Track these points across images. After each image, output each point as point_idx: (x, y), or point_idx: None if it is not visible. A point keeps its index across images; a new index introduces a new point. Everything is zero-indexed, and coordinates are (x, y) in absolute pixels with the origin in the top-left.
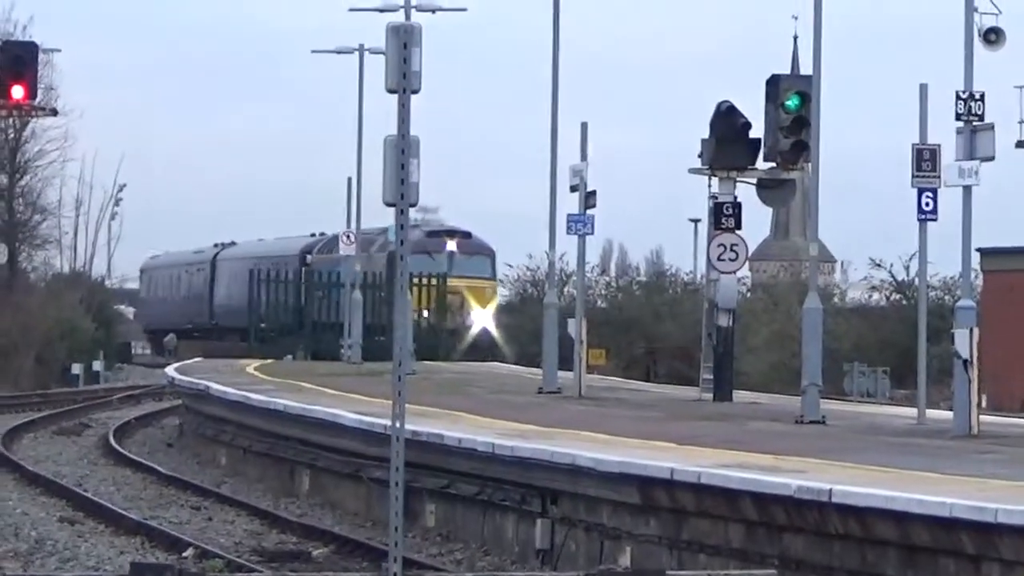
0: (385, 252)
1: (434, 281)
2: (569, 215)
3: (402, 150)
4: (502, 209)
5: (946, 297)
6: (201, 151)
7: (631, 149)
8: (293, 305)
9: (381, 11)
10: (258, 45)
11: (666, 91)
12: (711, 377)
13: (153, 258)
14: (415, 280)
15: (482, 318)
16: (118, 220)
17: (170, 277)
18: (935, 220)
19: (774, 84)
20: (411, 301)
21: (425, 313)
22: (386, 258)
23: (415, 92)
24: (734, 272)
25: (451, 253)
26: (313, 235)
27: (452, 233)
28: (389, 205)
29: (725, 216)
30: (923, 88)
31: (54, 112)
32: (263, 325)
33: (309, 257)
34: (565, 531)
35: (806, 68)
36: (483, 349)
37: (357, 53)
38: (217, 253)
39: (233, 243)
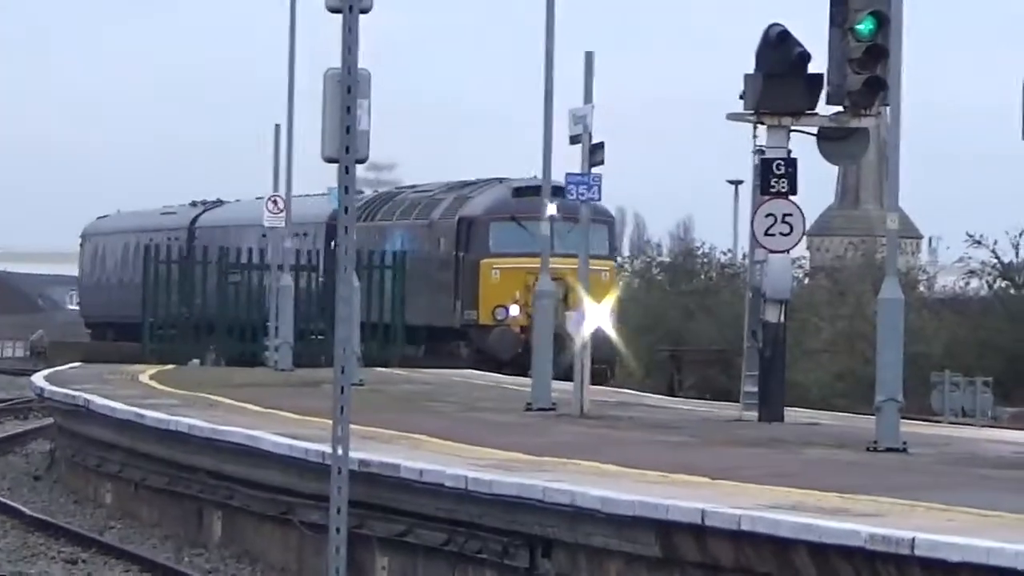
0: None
1: (527, 263)
2: (568, 175)
3: (348, 88)
4: (480, 169)
5: None
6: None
7: (648, 90)
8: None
9: None
10: None
11: (694, 13)
12: (755, 390)
13: (99, 220)
14: (505, 262)
15: (596, 314)
16: None
17: (124, 248)
18: None
19: (841, 3)
20: (359, 289)
21: (515, 312)
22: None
23: (365, 11)
24: (787, 251)
25: (552, 220)
26: (204, 202)
27: (552, 191)
28: (330, 161)
29: (775, 177)
30: None
31: None
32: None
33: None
34: None
35: None
36: (596, 358)
37: None
38: (197, 216)
39: (219, 202)
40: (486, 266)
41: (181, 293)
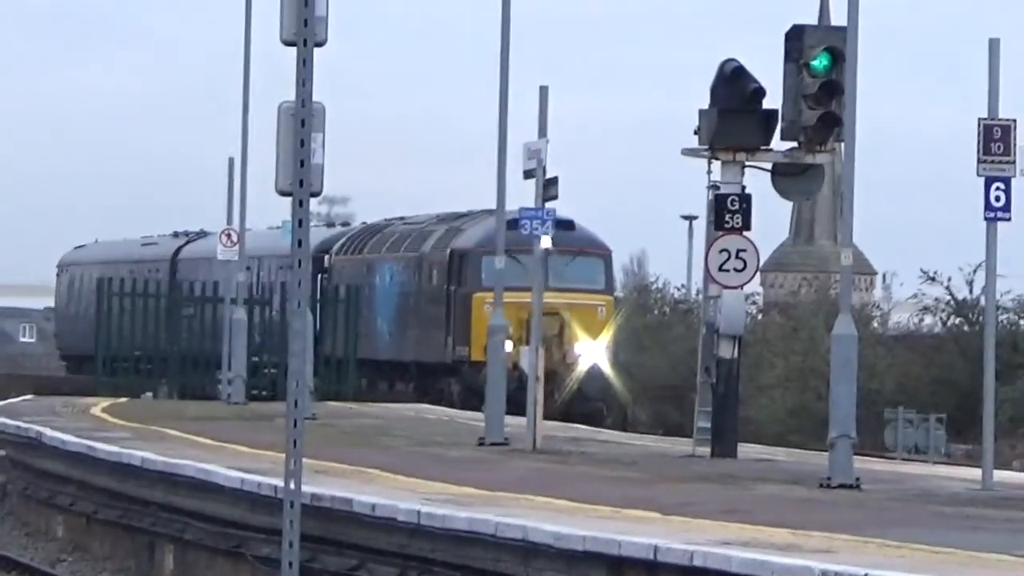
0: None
1: (522, 297)
2: (523, 210)
3: (302, 121)
4: (435, 202)
5: (1022, 321)
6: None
7: (602, 124)
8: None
9: None
10: None
11: (648, 49)
12: (708, 426)
13: (77, 250)
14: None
15: (591, 351)
16: None
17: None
18: (1008, 220)
19: (797, 38)
20: (310, 322)
21: (509, 348)
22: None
23: (320, 45)
24: (741, 287)
25: (545, 253)
26: (186, 233)
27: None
28: (284, 194)
29: (730, 212)
30: (994, 45)
31: None
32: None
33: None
34: None
35: (839, 18)
36: (591, 396)
37: None
38: (180, 247)
39: (203, 233)
40: (479, 300)
41: (133, 326)
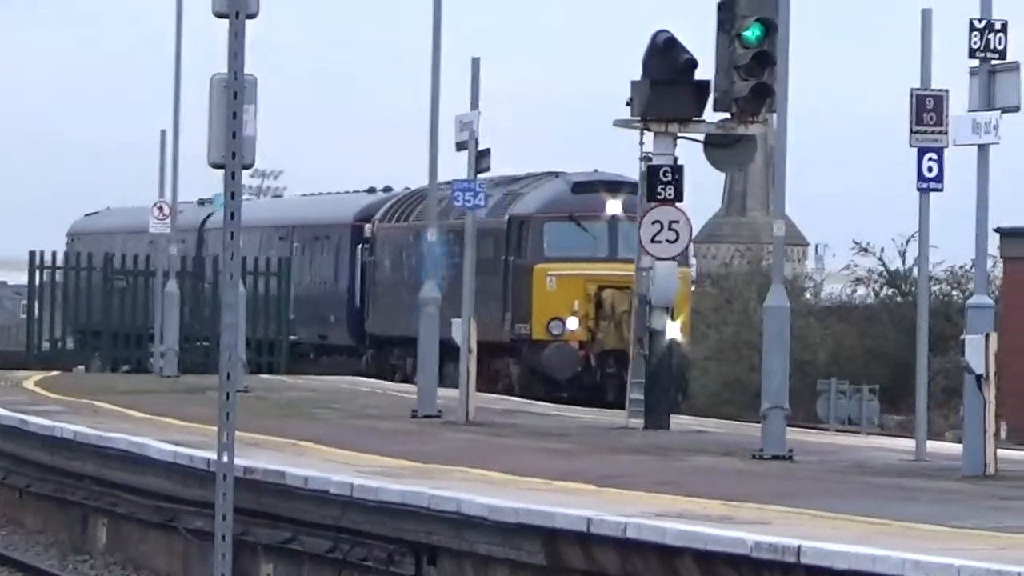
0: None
1: (588, 269)
2: (455, 182)
3: (234, 93)
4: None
5: (954, 293)
6: None
7: (535, 96)
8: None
9: None
10: None
11: (580, 20)
12: (641, 397)
13: (88, 218)
14: (563, 267)
15: (669, 328)
16: None
17: (122, 250)
18: (940, 190)
19: (729, 9)
20: (244, 294)
21: (574, 325)
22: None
23: (251, 16)
24: (673, 258)
25: (613, 220)
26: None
27: (614, 186)
28: (216, 167)
29: (662, 184)
30: (926, 15)
31: None
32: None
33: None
34: None
35: None
36: (667, 377)
37: None
38: (209, 216)
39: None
40: (540, 272)
41: (66, 300)
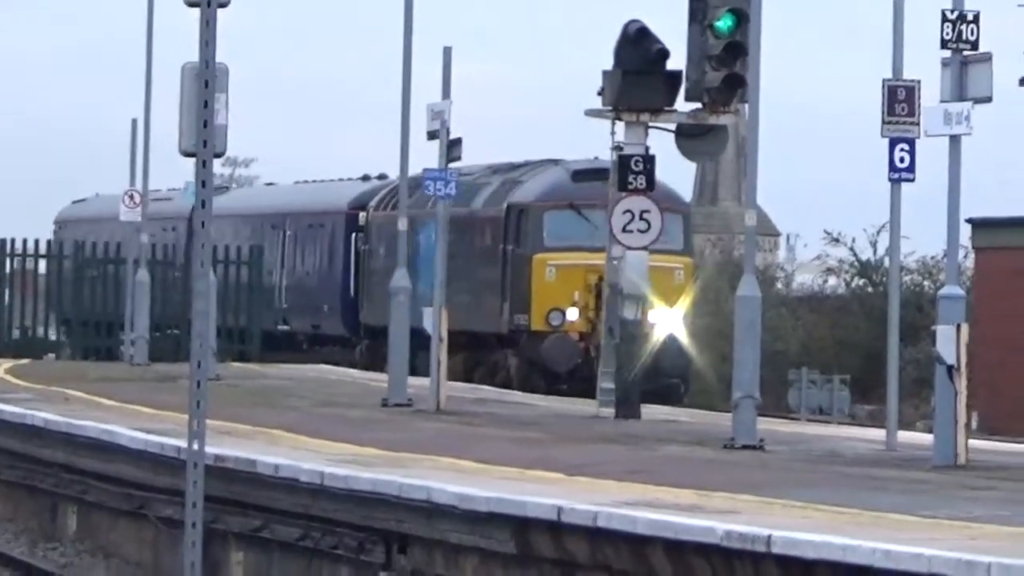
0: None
1: (589, 259)
2: (426, 171)
3: (205, 82)
4: (343, 165)
5: (926, 283)
6: None
7: (505, 85)
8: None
9: None
10: None
11: (553, 11)
12: (612, 386)
13: (76, 205)
14: (563, 257)
15: (668, 319)
16: None
17: (111, 239)
18: (912, 180)
19: (700, 0)
20: (215, 283)
21: (574, 316)
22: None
23: (223, 5)
24: (645, 248)
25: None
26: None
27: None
28: (188, 155)
29: (633, 173)
30: (898, 6)
31: None
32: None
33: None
34: None
35: None
36: (667, 372)
37: None
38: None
39: (222, 188)
40: (540, 262)
41: (48, 288)
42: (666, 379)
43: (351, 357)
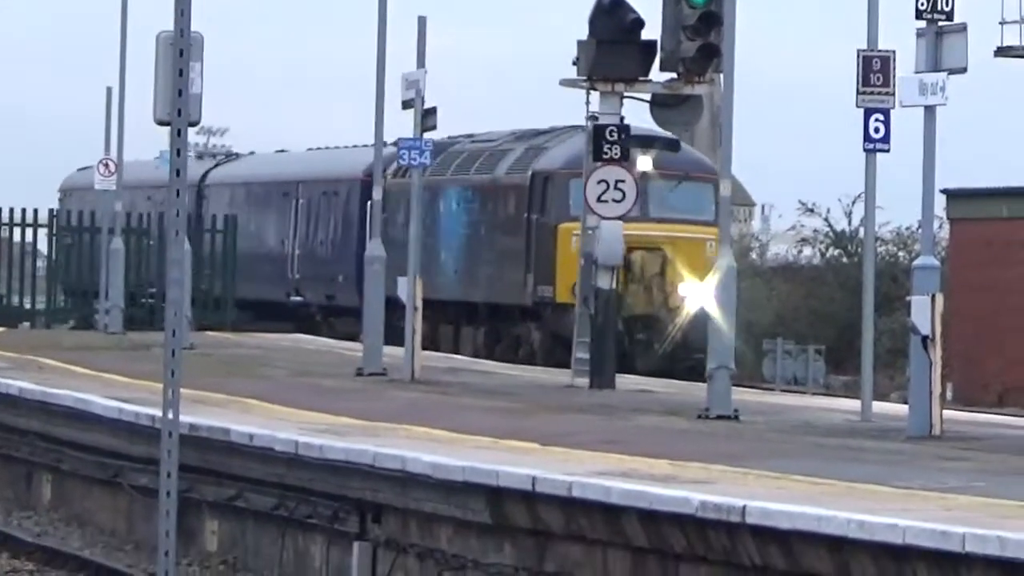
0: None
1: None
2: (400, 140)
3: (180, 51)
4: (314, 135)
5: (900, 254)
6: None
7: (479, 55)
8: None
9: None
10: None
11: None
12: (587, 356)
13: (81, 172)
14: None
15: (698, 293)
16: None
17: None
18: (887, 151)
19: None
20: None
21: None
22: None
23: None
24: (620, 217)
25: (644, 177)
26: (213, 155)
27: (645, 141)
28: (162, 124)
29: (608, 143)
30: None
31: None
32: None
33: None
34: (391, 558)
35: None
36: (697, 347)
37: None
38: (208, 171)
39: (233, 155)
40: (565, 232)
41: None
42: (697, 355)
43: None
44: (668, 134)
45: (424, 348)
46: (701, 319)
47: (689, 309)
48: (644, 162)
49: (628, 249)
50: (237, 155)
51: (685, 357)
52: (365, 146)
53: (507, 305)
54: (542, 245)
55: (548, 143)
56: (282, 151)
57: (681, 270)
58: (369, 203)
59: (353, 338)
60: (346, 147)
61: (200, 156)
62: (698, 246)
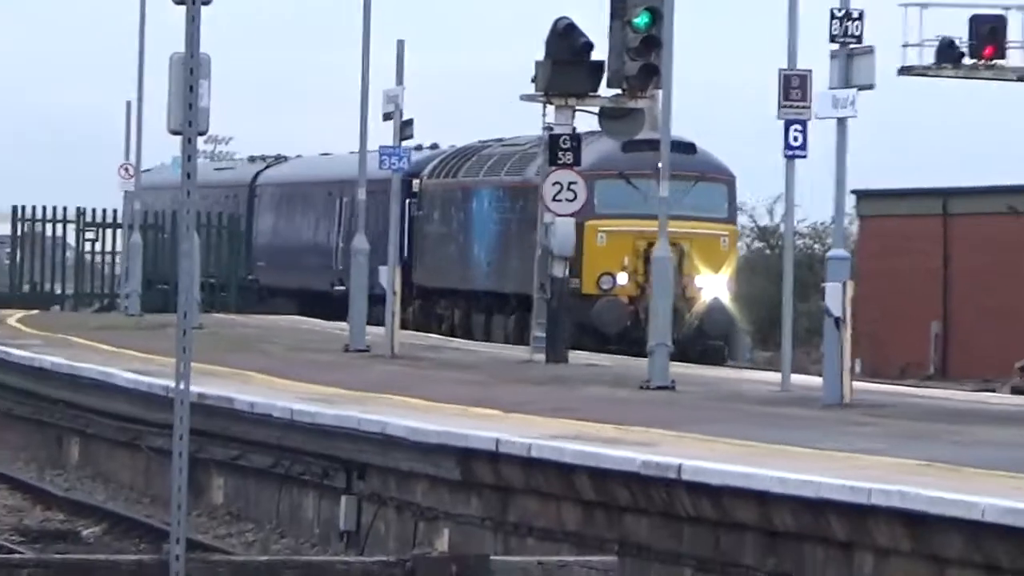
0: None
1: (638, 226)
2: (382, 147)
3: (191, 70)
4: (311, 143)
5: (816, 246)
6: None
7: (454, 74)
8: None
9: None
10: None
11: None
12: (543, 335)
13: (144, 174)
14: (613, 224)
15: (713, 285)
16: None
17: (172, 204)
18: (804, 157)
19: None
20: (198, 244)
21: (623, 280)
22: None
23: (206, 3)
24: (571, 215)
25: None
26: (263, 158)
27: (672, 147)
28: (175, 133)
29: (562, 150)
30: (793, 5)
31: None
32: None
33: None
34: (374, 510)
35: None
36: (712, 334)
37: None
38: (259, 172)
39: (281, 158)
40: (591, 229)
41: (43, 249)
42: (711, 341)
43: (404, 316)
44: (686, 139)
45: (457, 335)
46: (716, 309)
47: (705, 299)
48: (663, 163)
49: (648, 244)
50: (285, 158)
51: (701, 343)
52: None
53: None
54: None
55: None
56: (326, 154)
57: (697, 263)
58: (408, 202)
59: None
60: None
61: (252, 160)
62: (713, 241)
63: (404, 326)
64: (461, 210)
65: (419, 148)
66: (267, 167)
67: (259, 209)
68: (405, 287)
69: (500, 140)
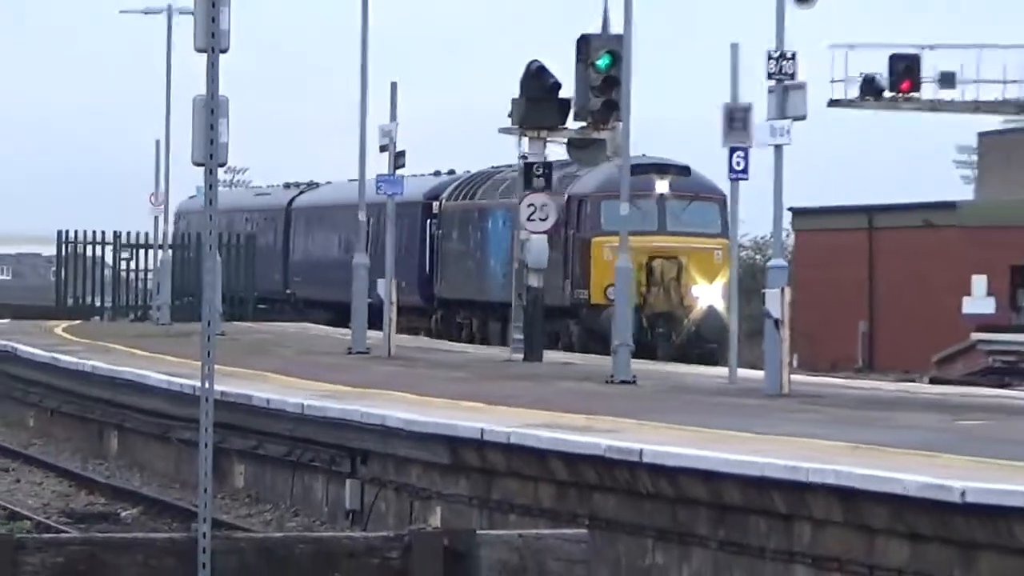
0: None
1: (640, 241)
2: (378, 175)
3: (211, 110)
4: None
5: (757, 257)
6: None
7: (443, 112)
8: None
9: None
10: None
11: (473, 55)
12: (521, 337)
13: (191, 200)
14: (618, 240)
15: (708, 294)
16: None
17: (227, 228)
18: (746, 179)
19: (585, 44)
20: (220, 263)
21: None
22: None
23: (224, 51)
24: (544, 232)
25: (661, 198)
26: (297, 185)
27: (663, 168)
28: (198, 165)
29: (535, 176)
30: (734, 48)
31: None
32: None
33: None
34: (375, 491)
35: (618, 27)
36: (707, 338)
37: (165, 14)
38: (294, 197)
39: (313, 184)
40: (598, 244)
41: (85, 267)
42: (706, 344)
43: (427, 324)
44: (681, 162)
45: (475, 342)
46: (711, 315)
47: (701, 307)
48: (662, 185)
49: (649, 257)
50: (317, 184)
51: (698, 346)
52: (423, 175)
53: (548, 306)
54: (578, 255)
55: (580, 171)
56: (354, 180)
57: (694, 275)
58: (429, 221)
59: (413, 331)
60: (411, 176)
61: (287, 186)
62: (708, 255)
63: (428, 334)
64: (478, 228)
65: (437, 174)
66: (300, 192)
67: (295, 230)
68: (428, 299)
69: (511, 166)
